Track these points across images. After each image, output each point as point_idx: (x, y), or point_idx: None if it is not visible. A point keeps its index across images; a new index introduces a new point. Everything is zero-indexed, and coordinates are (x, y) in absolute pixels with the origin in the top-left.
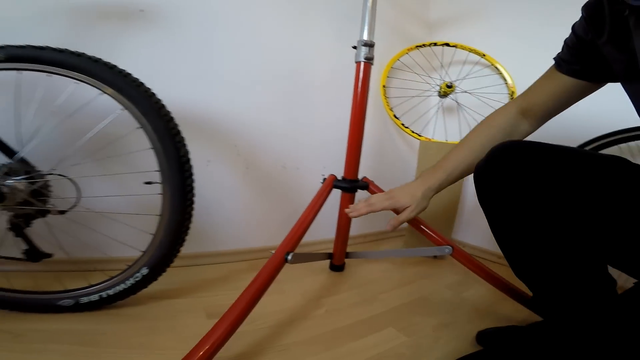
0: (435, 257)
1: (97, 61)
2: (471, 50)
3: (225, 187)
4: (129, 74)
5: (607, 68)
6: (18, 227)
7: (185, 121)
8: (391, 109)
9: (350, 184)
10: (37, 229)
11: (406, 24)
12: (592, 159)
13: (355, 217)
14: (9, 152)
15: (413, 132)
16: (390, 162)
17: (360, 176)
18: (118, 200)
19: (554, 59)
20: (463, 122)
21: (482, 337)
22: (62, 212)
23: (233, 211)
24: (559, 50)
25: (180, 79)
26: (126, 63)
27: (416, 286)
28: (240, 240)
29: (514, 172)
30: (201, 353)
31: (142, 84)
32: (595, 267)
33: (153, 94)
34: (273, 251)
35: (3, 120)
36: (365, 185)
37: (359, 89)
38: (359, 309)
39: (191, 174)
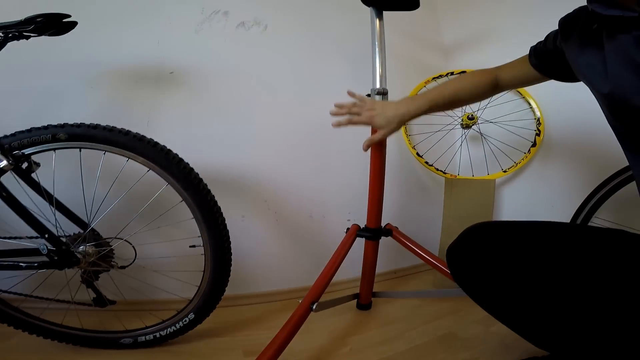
0: None
1: (141, 139)
2: None
3: (258, 237)
4: (170, 151)
5: (569, 73)
6: (88, 280)
7: (219, 180)
8: (414, 147)
9: (373, 232)
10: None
11: (421, 53)
12: (550, 230)
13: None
14: (82, 224)
15: (437, 169)
16: (417, 200)
17: (385, 220)
18: (170, 255)
19: (531, 48)
20: (489, 153)
21: None
22: (122, 267)
23: (266, 257)
24: None
25: (212, 138)
26: (161, 124)
27: (444, 322)
28: (274, 282)
29: (483, 250)
30: None
31: (181, 160)
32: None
33: (191, 170)
34: (300, 300)
35: (75, 195)
36: (389, 232)
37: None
38: (383, 347)
39: (228, 238)
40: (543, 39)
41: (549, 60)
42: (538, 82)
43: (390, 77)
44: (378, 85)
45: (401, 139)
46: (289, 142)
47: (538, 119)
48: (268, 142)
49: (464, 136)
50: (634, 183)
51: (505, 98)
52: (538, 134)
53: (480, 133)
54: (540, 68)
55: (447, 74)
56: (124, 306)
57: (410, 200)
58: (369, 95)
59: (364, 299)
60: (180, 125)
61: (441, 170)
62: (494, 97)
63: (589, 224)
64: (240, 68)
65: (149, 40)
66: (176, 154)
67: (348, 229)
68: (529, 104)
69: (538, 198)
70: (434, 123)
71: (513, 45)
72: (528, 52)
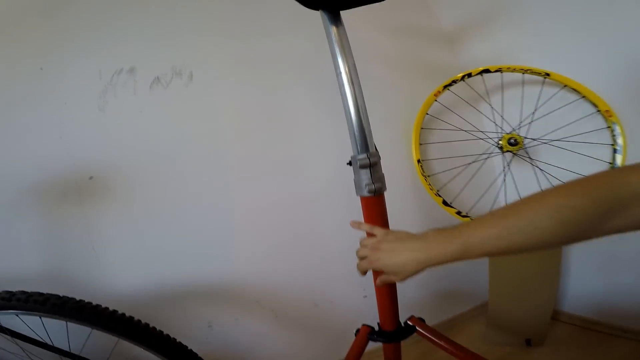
0: None
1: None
2: (526, 71)
3: (259, 334)
4: (114, 312)
5: None
6: None
7: (201, 291)
8: (437, 193)
9: (389, 336)
10: None
11: (422, 49)
12: None
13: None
14: None
15: (462, 214)
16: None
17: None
18: None
19: None
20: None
21: None
22: None
23: (273, 348)
24: None
25: (171, 249)
26: (109, 244)
27: None
28: None
29: None
30: None
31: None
32: None
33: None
34: None
35: None
36: (411, 329)
37: None
38: None
39: None
40: None
41: None
42: None
43: (390, 92)
44: (359, 148)
45: (416, 178)
46: (272, 235)
47: (611, 126)
48: (246, 242)
49: (506, 167)
50: None
51: (561, 99)
52: (616, 151)
53: (531, 159)
54: None
55: (463, 76)
56: None
57: None
58: (349, 163)
59: None
60: (130, 240)
61: (469, 217)
62: (544, 100)
63: None
64: (172, 142)
65: (49, 134)
66: (122, 313)
67: (358, 330)
68: (594, 103)
69: (623, 255)
70: (460, 155)
71: (531, 22)
72: None
